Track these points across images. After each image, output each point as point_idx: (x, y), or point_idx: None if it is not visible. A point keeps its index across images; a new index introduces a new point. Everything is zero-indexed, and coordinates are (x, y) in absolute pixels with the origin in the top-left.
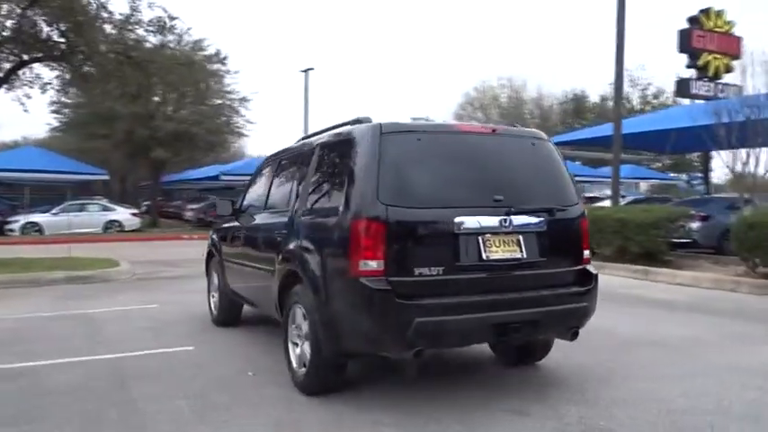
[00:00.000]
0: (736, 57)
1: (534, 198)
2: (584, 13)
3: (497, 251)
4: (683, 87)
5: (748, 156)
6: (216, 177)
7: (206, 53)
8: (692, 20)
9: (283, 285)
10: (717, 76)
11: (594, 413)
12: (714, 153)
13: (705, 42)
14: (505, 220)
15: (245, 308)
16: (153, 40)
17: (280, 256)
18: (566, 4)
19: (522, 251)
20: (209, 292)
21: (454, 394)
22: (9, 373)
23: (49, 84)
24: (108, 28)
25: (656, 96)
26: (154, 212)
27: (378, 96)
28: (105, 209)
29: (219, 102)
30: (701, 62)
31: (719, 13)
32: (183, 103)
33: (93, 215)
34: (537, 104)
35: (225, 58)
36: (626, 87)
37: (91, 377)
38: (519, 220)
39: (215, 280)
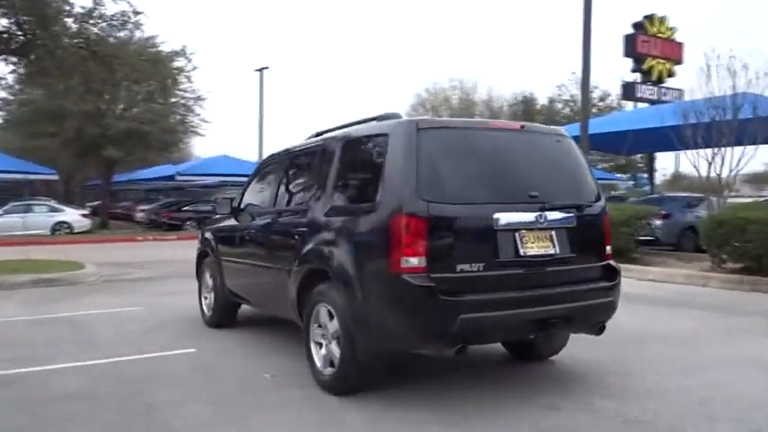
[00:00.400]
0: (678, 62)
1: (562, 194)
2: (532, 17)
3: (533, 247)
4: (628, 90)
5: (714, 155)
6: (170, 178)
7: (174, 49)
8: (637, 25)
9: (303, 285)
10: (660, 80)
11: (626, 405)
12: (657, 154)
13: (649, 47)
14: (540, 216)
15: (242, 309)
16: (117, 34)
17: (299, 255)
18: (515, 8)
19: (554, 247)
20: (200, 293)
21: (481, 391)
22: (5, 379)
23: (3, 79)
24: (69, 21)
25: (601, 99)
26: (104, 214)
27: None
28: (53, 210)
29: (174, 100)
30: (645, 66)
31: (662, 20)
32: (135, 100)
33: (40, 216)
34: (487, 106)
35: (191, 54)
36: (573, 90)
37: (97, 383)
38: (552, 215)
39: (209, 281)
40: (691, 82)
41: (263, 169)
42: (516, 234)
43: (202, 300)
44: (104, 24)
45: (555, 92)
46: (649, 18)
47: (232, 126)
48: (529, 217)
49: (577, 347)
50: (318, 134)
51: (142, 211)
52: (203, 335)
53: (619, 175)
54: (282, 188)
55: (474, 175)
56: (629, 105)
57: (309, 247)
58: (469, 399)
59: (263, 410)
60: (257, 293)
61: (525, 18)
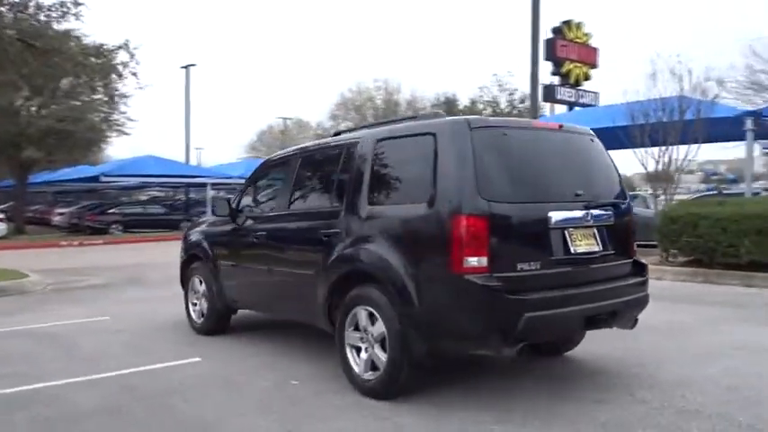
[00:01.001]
0: (594, 66)
1: (599, 192)
2: (455, 19)
3: (580, 244)
4: (549, 93)
5: (662, 154)
6: (93, 179)
7: (116, 44)
8: (556, 30)
9: (336, 288)
10: (578, 83)
11: (665, 396)
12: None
13: (567, 52)
14: (587, 214)
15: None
16: (57, 26)
17: (331, 258)
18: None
19: (597, 244)
20: (187, 300)
21: (525, 390)
22: (15, 398)
23: None
24: (4, 10)
25: (522, 101)
26: (20, 218)
27: (259, 95)
28: None
29: (98, 96)
30: (563, 70)
31: (579, 25)
32: (56, 96)
33: None
34: (411, 106)
35: (135, 49)
36: (495, 91)
37: (115, 398)
38: (595, 213)
39: (199, 287)
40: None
41: (268, 170)
42: (566, 232)
43: (190, 307)
44: (42, 16)
45: (477, 93)
46: (567, 24)
47: (153, 125)
48: (578, 215)
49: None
50: (337, 134)
51: (60, 214)
52: (198, 343)
53: None
54: (299, 189)
55: (525, 173)
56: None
57: (345, 248)
58: (518, 398)
59: (320, 419)
60: (270, 298)
61: (448, 20)
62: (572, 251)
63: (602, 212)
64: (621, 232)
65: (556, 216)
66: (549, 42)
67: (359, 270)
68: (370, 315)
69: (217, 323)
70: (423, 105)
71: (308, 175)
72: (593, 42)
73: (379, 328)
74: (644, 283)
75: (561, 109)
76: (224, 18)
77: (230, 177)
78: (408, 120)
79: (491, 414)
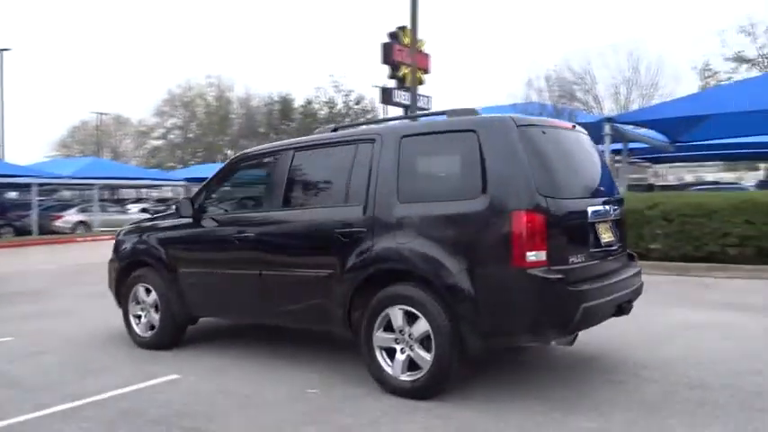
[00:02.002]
0: (427, 71)
1: (608, 188)
2: (291, 19)
3: (605, 237)
4: (386, 96)
5: None
6: None
7: None
8: (392, 35)
9: (362, 288)
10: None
11: (676, 375)
12: None
13: (403, 56)
14: (609, 208)
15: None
16: None
17: (355, 257)
18: (275, 9)
19: (614, 236)
20: (127, 313)
21: (552, 377)
22: None
23: None
24: None
25: (357, 102)
26: None
27: (70, 88)
28: None
29: None
30: (400, 74)
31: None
32: None
33: None
34: (243, 104)
35: None
36: (331, 92)
37: (123, 427)
38: (611, 207)
39: (145, 297)
40: (436, 89)
41: (244, 167)
42: (596, 225)
43: (132, 320)
44: None
45: (313, 93)
46: (402, 29)
47: None
48: (605, 209)
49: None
50: (335, 129)
51: None
52: (159, 358)
53: None
54: (296, 186)
55: (563, 170)
56: (381, 109)
57: (375, 247)
58: (551, 385)
59: (374, 425)
60: (258, 304)
61: (285, 19)
62: (602, 243)
63: (615, 207)
64: (623, 225)
65: (591, 210)
66: (386, 47)
67: (397, 269)
68: (408, 314)
69: (172, 336)
70: (256, 104)
71: (307, 172)
72: (426, 48)
73: (422, 327)
74: (640, 273)
75: (398, 111)
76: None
77: (60, 177)
78: (428, 116)
79: (540, 403)
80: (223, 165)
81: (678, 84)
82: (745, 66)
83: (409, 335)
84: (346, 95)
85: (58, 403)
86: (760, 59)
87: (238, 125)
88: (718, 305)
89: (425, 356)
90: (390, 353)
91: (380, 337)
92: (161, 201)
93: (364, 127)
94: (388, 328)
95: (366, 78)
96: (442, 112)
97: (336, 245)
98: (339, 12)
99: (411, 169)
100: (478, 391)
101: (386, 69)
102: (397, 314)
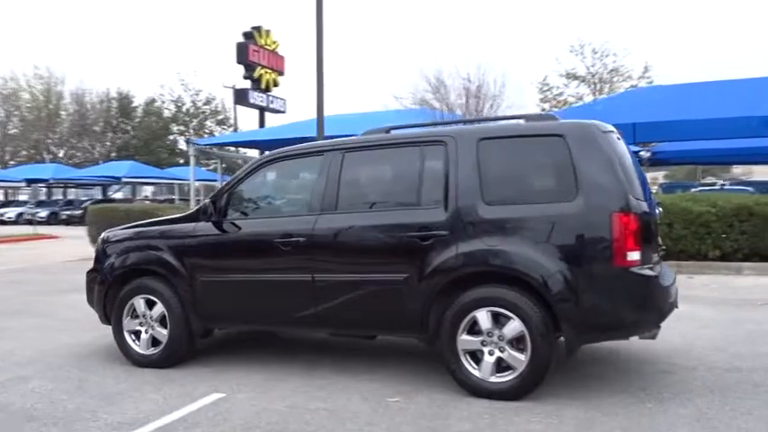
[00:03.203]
0: (281, 73)
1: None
2: (131, 11)
3: (659, 236)
4: (241, 96)
5: None
6: None
7: None
8: (248, 35)
9: (445, 291)
10: (268, 88)
11: (712, 361)
12: None
13: (259, 57)
14: (658, 209)
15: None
16: None
17: (437, 260)
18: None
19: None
20: (122, 328)
21: (613, 370)
22: None
23: None
24: None
25: (207, 102)
26: None
27: None
28: None
29: None
30: (255, 75)
31: (268, 33)
32: None
33: None
34: (76, 100)
35: None
36: (179, 90)
37: None
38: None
39: (146, 310)
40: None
41: (274, 169)
42: (653, 225)
43: (127, 337)
44: None
45: (158, 91)
46: (257, 30)
47: None
48: (658, 209)
49: None
50: (389, 130)
51: None
52: (178, 378)
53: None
54: (352, 188)
55: (633, 173)
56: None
57: (461, 250)
58: (619, 378)
59: (494, 428)
60: (306, 311)
61: (126, 10)
62: (659, 242)
63: (658, 207)
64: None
65: (657, 210)
66: (242, 47)
67: (488, 271)
68: (496, 316)
69: (183, 351)
70: (90, 99)
71: (363, 174)
72: (280, 51)
73: (514, 328)
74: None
75: (253, 113)
76: None
77: None
78: (502, 120)
79: (630, 395)
80: (248, 165)
81: (521, 95)
82: (575, 82)
83: (499, 337)
84: (195, 94)
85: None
86: (589, 77)
87: (70, 122)
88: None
89: (519, 357)
90: (474, 356)
91: (465, 340)
92: None
93: (428, 129)
94: (473, 330)
95: (217, 78)
96: (520, 117)
97: (412, 248)
98: (187, 8)
99: (493, 171)
100: (559, 389)
101: (240, 69)
102: (484, 316)
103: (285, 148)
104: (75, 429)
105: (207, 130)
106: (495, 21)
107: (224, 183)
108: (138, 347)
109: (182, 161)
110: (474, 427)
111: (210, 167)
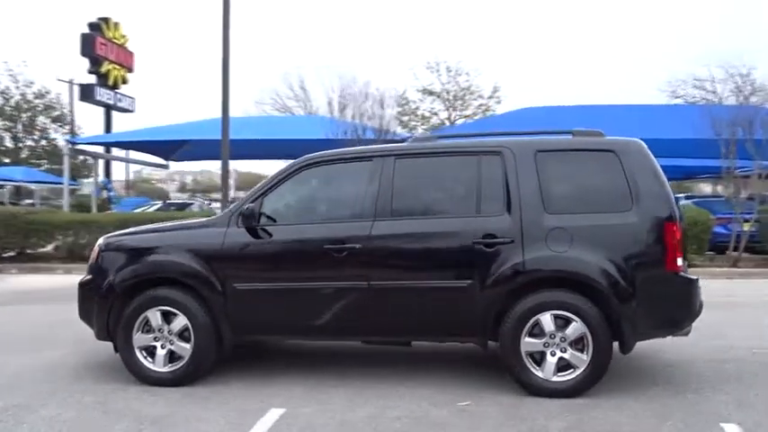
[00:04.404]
0: (131, 70)
1: None
2: None
3: None
4: (87, 93)
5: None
6: None
7: None
8: (94, 26)
9: (510, 296)
10: (116, 85)
11: (705, 347)
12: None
13: (107, 51)
14: None
15: None
16: None
17: (504, 266)
18: None
19: None
20: (132, 344)
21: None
22: None
23: None
24: None
25: (40, 96)
26: None
27: None
28: None
29: None
30: (102, 70)
31: (117, 25)
32: None
33: None
34: None
35: None
36: (7, 82)
37: None
38: None
39: (162, 324)
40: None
41: (314, 174)
42: None
43: (138, 354)
44: None
45: None
46: (105, 21)
47: None
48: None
49: None
50: (442, 137)
51: None
52: (208, 395)
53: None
54: (407, 195)
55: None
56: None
57: (528, 255)
58: (648, 374)
59: (583, 422)
60: (360, 318)
61: None
62: None
63: None
64: None
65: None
66: (88, 38)
67: (556, 277)
68: (559, 318)
69: (207, 365)
70: None
71: (417, 181)
72: (130, 46)
73: (576, 329)
74: None
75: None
76: None
77: None
78: (549, 134)
79: (669, 387)
80: (283, 169)
81: (381, 107)
82: (431, 98)
83: (561, 338)
84: (26, 87)
85: None
86: (444, 93)
87: None
88: None
89: (582, 357)
90: (538, 357)
91: (528, 342)
92: None
93: (481, 139)
94: (534, 333)
95: (51, 71)
96: (567, 132)
97: (477, 254)
98: None
99: (552, 182)
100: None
101: (81, 63)
102: (548, 319)
103: (325, 152)
104: None
105: (38, 127)
106: (357, 33)
107: (255, 188)
108: (152, 365)
109: (6, 160)
110: (568, 424)
111: (43, 168)
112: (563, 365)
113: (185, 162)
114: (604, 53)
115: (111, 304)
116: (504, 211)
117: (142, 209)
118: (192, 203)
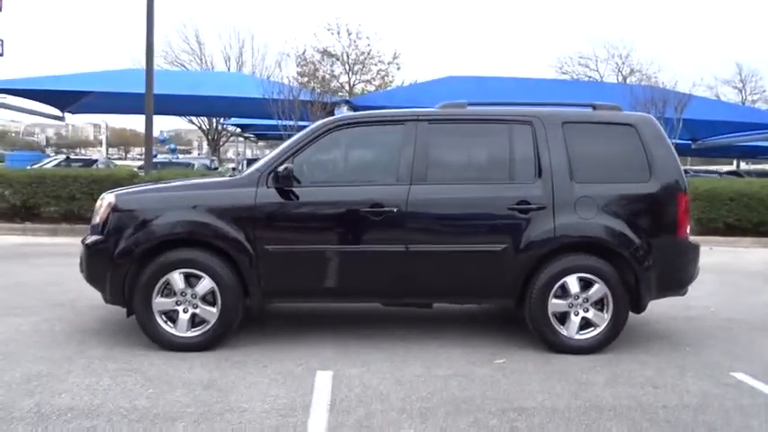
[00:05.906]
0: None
1: None
2: None
3: None
4: None
5: None
6: None
7: None
8: None
9: (541, 260)
10: None
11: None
12: None
13: None
14: None
15: None
16: None
17: (537, 231)
18: None
19: None
20: (151, 309)
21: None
22: None
23: None
24: None
25: None
26: None
27: None
28: None
29: None
30: None
31: None
32: None
33: None
34: None
35: None
36: None
37: None
38: None
39: (193, 287)
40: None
41: (344, 135)
42: None
43: (158, 319)
44: None
45: None
46: None
47: None
48: None
49: None
50: (471, 104)
51: None
52: (241, 359)
53: None
54: (441, 160)
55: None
56: None
57: (559, 222)
58: (655, 334)
59: (614, 377)
60: (396, 281)
61: None
62: None
63: None
64: None
65: None
66: None
67: (584, 243)
68: (583, 281)
69: (232, 328)
70: None
71: (451, 146)
72: None
73: (599, 290)
74: None
75: None
76: None
77: None
78: (580, 107)
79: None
80: (310, 129)
81: (280, 67)
82: (331, 60)
83: (584, 299)
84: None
85: None
86: (345, 56)
87: None
88: None
89: (603, 316)
90: (562, 317)
91: (555, 303)
92: None
93: (511, 108)
94: (559, 295)
95: None
96: (587, 105)
97: (511, 220)
98: None
99: (578, 153)
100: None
101: None
102: (574, 281)
103: (355, 114)
104: (231, 424)
105: None
106: None
107: (282, 148)
108: (174, 329)
109: None
110: (606, 378)
111: None
112: (584, 324)
113: (80, 114)
114: (498, 28)
115: (128, 268)
116: (535, 178)
117: (39, 165)
118: (96, 160)
